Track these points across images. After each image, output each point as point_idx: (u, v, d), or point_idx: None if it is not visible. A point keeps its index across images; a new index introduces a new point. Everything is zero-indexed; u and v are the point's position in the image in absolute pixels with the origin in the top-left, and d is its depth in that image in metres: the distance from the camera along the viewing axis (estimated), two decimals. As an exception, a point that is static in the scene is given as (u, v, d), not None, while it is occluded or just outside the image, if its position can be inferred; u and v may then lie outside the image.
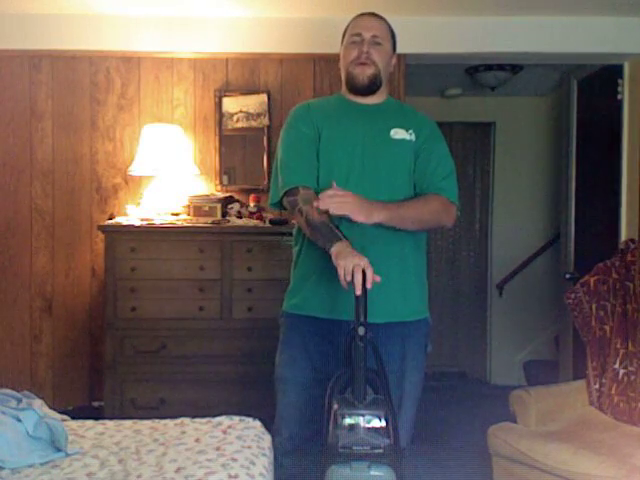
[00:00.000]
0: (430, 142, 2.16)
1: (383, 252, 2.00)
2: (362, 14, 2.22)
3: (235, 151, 3.70)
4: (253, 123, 3.63)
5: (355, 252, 1.84)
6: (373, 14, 2.22)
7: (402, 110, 2.26)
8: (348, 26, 2.22)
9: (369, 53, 2.13)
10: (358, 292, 1.79)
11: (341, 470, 1.70)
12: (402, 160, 2.13)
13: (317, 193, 2.06)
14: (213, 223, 3.27)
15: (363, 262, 1.82)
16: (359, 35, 2.15)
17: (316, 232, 1.96)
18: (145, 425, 2.13)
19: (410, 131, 2.14)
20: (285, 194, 2.09)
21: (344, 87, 2.22)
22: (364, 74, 2.13)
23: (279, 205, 2.16)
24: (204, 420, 2.14)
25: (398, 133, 2.13)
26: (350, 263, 1.81)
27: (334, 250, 1.86)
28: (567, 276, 3.85)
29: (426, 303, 2.25)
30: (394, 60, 2.25)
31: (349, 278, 1.81)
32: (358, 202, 1.90)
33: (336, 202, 1.87)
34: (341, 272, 1.81)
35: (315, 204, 1.89)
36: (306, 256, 2.15)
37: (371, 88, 2.16)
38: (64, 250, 3.65)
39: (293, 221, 2.26)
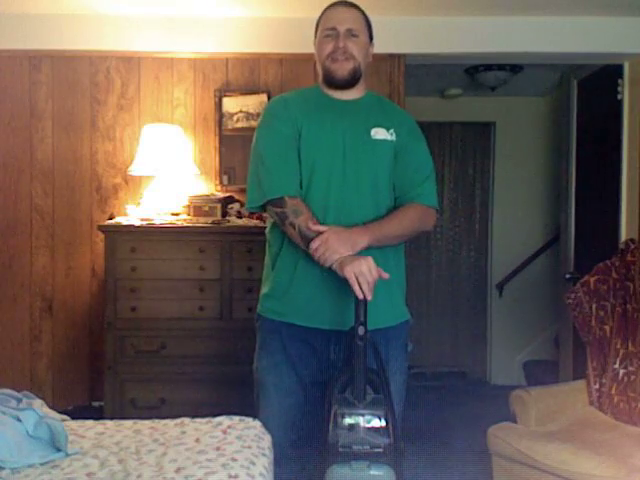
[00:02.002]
0: (409, 142, 2.12)
1: None
2: (335, 4, 2.13)
3: (235, 151, 3.70)
4: (253, 123, 3.62)
5: (357, 255, 1.85)
6: (346, 3, 2.13)
7: (382, 106, 2.20)
8: (320, 18, 2.14)
9: (346, 47, 2.06)
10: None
11: (341, 469, 1.71)
12: (383, 161, 2.09)
13: (302, 198, 2.04)
14: (213, 223, 3.27)
15: (369, 263, 1.82)
16: (334, 29, 2.07)
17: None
18: (145, 425, 2.12)
19: (391, 131, 2.10)
20: (269, 202, 2.05)
21: (321, 80, 2.16)
22: (343, 68, 2.07)
23: (259, 209, 2.13)
24: (204, 420, 2.14)
25: (379, 133, 2.09)
26: (357, 268, 1.81)
27: (336, 262, 1.87)
28: (567, 276, 3.85)
29: (405, 303, 2.23)
30: (372, 50, 2.18)
31: (362, 280, 1.80)
32: (338, 238, 1.90)
33: (320, 253, 1.89)
34: (352, 278, 1.82)
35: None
36: (286, 259, 2.11)
37: (351, 82, 2.10)
38: (64, 250, 3.65)
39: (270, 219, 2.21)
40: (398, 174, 2.11)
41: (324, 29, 2.10)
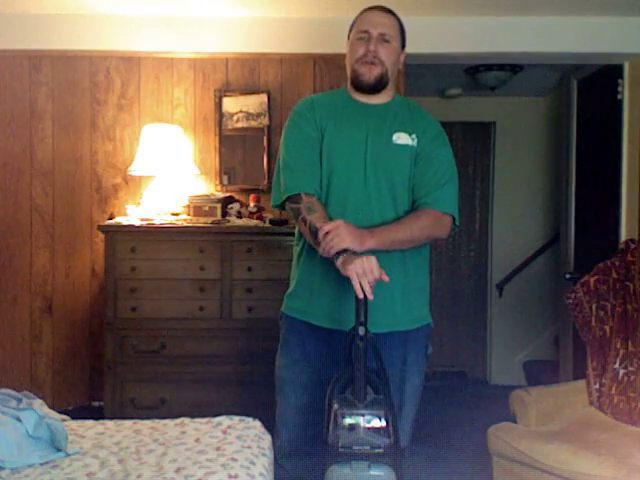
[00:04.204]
0: (432, 147, 2.11)
1: (385, 264, 1.90)
2: (371, 8, 2.14)
3: (235, 151, 3.70)
4: (253, 123, 3.63)
5: (360, 255, 1.84)
6: (382, 8, 2.14)
7: (408, 111, 2.19)
8: (355, 20, 2.15)
9: (376, 51, 2.07)
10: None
11: (341, 470, 1.70)
12: (402, 166, 2.09)
13: (320, 197, 2.06)
14: (213, 223, 3.27)
15: (371, 262, 1.82)
16: (366, 32, 2.08)
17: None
18: (145, 425, 2.13)
19: (413, 136, 2.10)
20: (287, 199, 2.07)
21: (349, 83, 2.17)
22: (370, 74, 2.08)
23: (282, 206, 2.14)
24: (204, 420, 2.14)
25: (400, 138, 2.09)
26: (360, 267, 1.81)
27: (340, 260, 1.86)
28: (567, 276, 3.85)
29: (427, 308, 2.23)
30: (403, 57, 2.19)
31: (364, 279, 1.80)
32: (350, 233, 1.88)
33: (331, 240, 1.87)
34: (354, 277, 1.81)
35: (321, 252, 1.91)
36: (308, 258, 2.12)
37: (377, 88, 2.11)
38: (64, 250, 3.65)
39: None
40: (417, 178, 2.10)
41: (358, 31, 2.11)
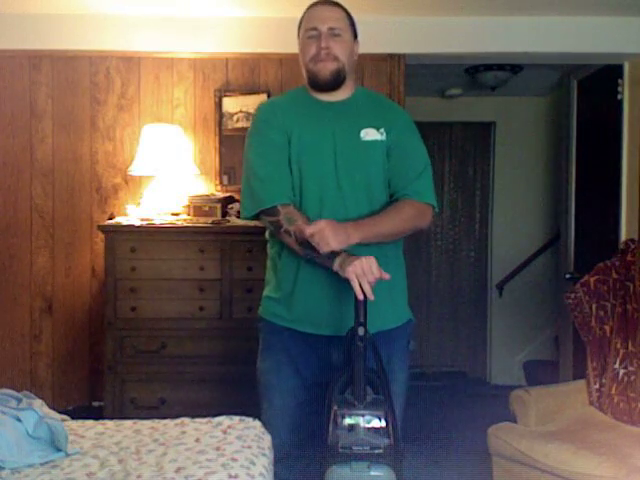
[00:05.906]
0: (402, 138, 2.08)
1: None
2: (316, 3, 2.09)
3: (235, 151, 3.69)
4: (253, 123, 3.63)
5: (359, 256, 1.84)
6: (327, 2, 2.09)
7: (372, 104, 2.14)
8: (302, 18, 2.10)
9: (329, 48, 2.02)
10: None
11: (341, 470, 1.71)
12: (374, 162, 2.06)
13: (295, 203, 2.02)
14: (213, 223, 3.27)
15: (370, 262, 1.82)
16: (315, 29, 2.03)
17: (311, 249, 1.92)
18: (145, 425, 2.12)
19: (381, 130, 2.06)
20: (262, 211, 2.03)
21: (306, 83, 2.12)
22: (326, 69, 2.02)
23: (253, 218, 2.10)
24: (204, 420, 2.14)
25: (369, 134, 2.05)
26: (359, 268, 1.80)
27: (337, 263, 1.86)
28: (567, 276, 3.85)
29: (407, 304, 2.21)
30: (357, 48, 2.13)
31: (363, 280, 1.79)
32: (333, 230, 1.85)
33: (317, 243, 1.85)
34: (354, 278, 1.80)
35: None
36: (286, 264, 2.09)
37: (335, 83, 2.06)
38: (64, 250, 3.65)
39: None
40: (392, 171, 2.07)
41: (306, 29, 2.06)
